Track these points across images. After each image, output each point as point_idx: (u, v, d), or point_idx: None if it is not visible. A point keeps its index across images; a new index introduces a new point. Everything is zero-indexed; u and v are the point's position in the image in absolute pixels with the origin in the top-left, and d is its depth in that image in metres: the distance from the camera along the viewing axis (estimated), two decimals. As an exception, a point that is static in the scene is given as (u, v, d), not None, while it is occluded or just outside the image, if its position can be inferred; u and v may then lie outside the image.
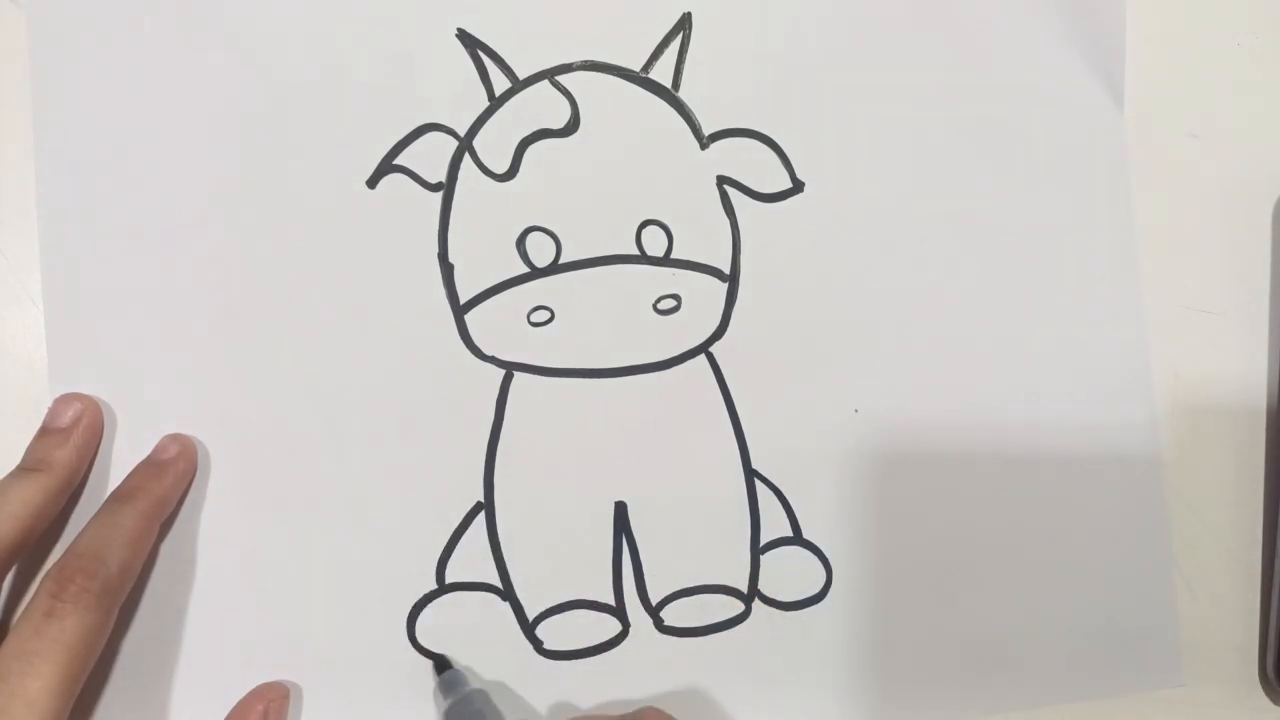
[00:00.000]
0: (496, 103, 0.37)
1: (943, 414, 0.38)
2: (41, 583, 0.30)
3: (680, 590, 0.37)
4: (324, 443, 0.36)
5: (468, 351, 0.37)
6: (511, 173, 0.37)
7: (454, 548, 0.36)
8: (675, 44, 0.38)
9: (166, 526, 0.35)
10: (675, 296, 0.37)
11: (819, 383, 0.38)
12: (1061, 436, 0.39)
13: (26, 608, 0.30)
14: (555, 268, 0.37)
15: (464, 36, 0.37)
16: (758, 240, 0.38)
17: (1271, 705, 0.39)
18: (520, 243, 0.37)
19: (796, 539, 0.37)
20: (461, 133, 0.37)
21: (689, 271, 0.37)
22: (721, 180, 0.38)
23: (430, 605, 0.36)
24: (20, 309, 0.36)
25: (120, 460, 0.35)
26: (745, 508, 0.37)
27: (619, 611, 0.37)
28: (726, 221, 0.38)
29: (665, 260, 0.37)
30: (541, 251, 0.37)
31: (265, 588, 0.36)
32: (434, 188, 0.37)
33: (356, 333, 0.36)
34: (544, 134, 0.37)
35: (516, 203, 0.37)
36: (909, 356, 0.38)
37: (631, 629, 0.37)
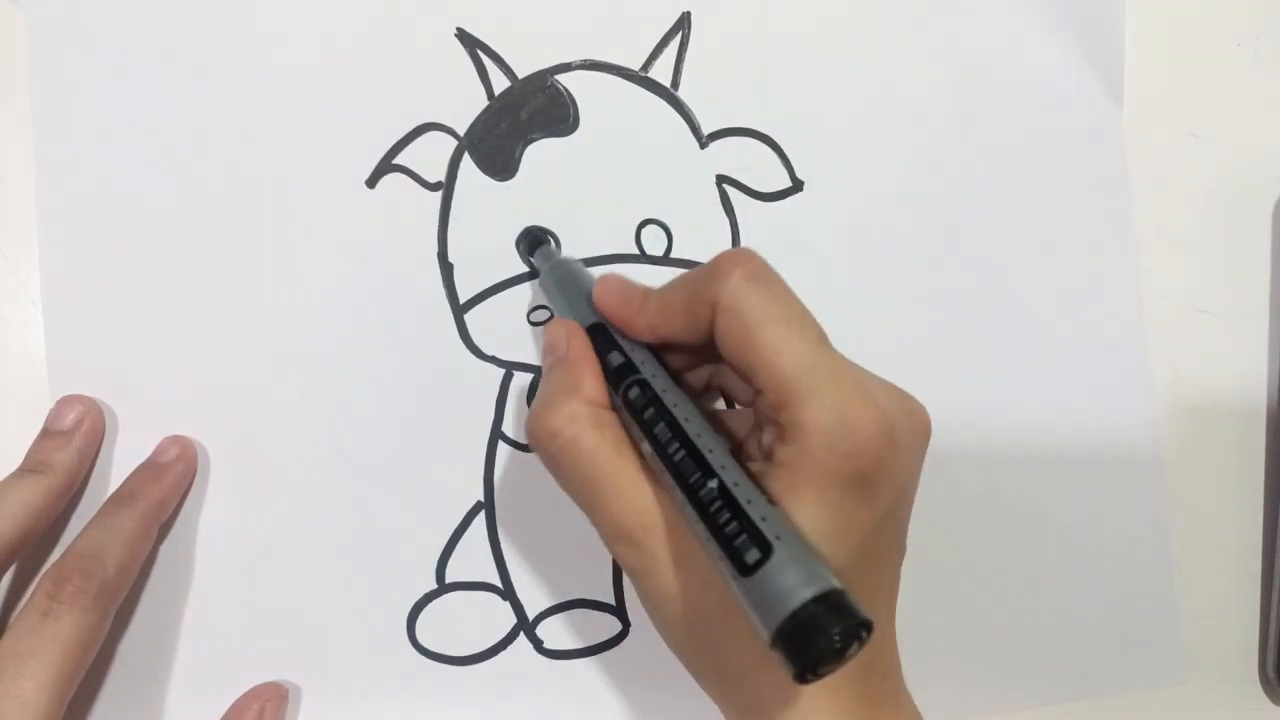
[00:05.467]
0: (496, 102, 0.37)
1: (942, 413, 0.38)
2: (39, 583, 0.30)
3: (680, 590, 0.37)
4: (324, 443, 0.36)
5: (468, 351, 0.37)
6: (511, 172, 0.37)
7: (454, 548, 0.36)
8: (674, 43, 0.38)
9: (166, 527, 0.35)
10: (675, 296, 0.37)
11: (819, 382, 0.38)
12: (1061, 436, 0.39)
13: (23, 607, 0.30)
14: (555, 267, 0.37)
15: (463, 36, 0.37)
16: (757, 239, 0.38)
17: (1271, 705, 0.39)
18: (520, 242, 0.37)
19: (796, 539, 0.37)
20: (461, 132, 0.37)
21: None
22: (721, 179, 0.38)
23: (430, 605, 0.36)
24: (20, 309, 0.36)
25: (120, 460, 0.35)
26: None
27: (619, 611, 0.37)
28: (726, 220, 0.38)
29: (665, 259, 0.37)
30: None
31: (264, 588, 0.36)
32: (434, 187, 0.37)
33: (356, 332, 0.36)
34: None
35: (516, 202, 0.37)
36: (908, 356, 0.38)
37: (631, 629, 0.37)
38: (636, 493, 0.27)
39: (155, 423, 0.35)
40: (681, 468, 0.25)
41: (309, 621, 0.36)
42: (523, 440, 0.37)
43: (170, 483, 0.34)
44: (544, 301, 0.37)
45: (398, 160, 0.36)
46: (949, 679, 0.38)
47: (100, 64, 0.36)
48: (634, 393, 0.28)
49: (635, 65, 0.37)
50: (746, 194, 0.38)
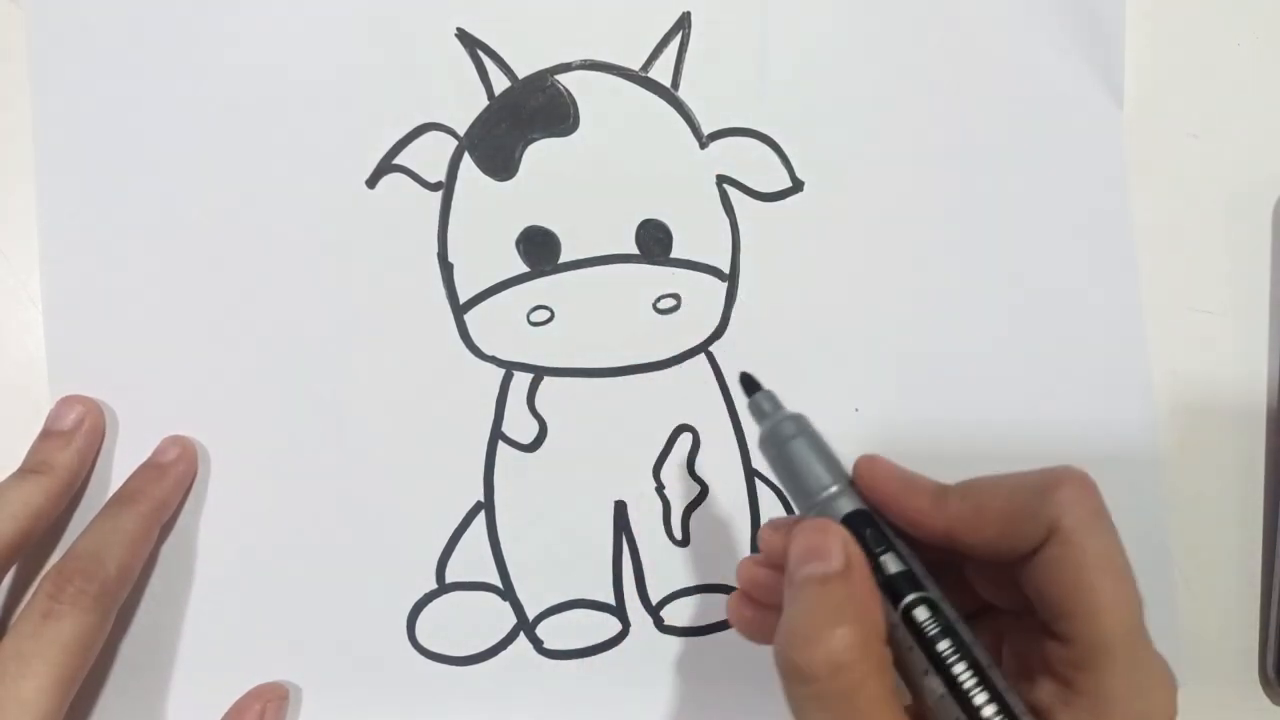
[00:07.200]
0: (496, 102, 0.37)
1: (943, 414, 0.38)
2: (40, 584, 0.30)
3: (680, 590, 0.37)
4: (324, 443, 0.36)
5: (467, 351, 0.37)
6: (511, 172, 0.37)
7: (454, 548, 0.36)
8: (675, 43, 0.38)
9: (167, 528, 0.35)
10: (675, 296, 0.37)
11: (819, 382, 0.38)
12: (1061, 436, 0.39)
13: (24, 608, 0.30)
14: (555, 267, 0.37)
15: (463, 36, 0.37)
16: (757, 239, 0.38)
17: (1271, 705, 0.39)
18: (520, 242, 0.37)
19: (796, 539, 0.37)
20: (461, 132, 0.37)
21: (688, 271, 0.37)
22: (721, 179, 0.38)
23: (430, 605, 0.36)
24: (20, 309, 0.36)
25: (120, 461, 0.35)
26: (745, 507, 0.37)
27: (619, 611, 0.37)
28: (726, 220, 0.38)
29: (665, 259, 0.37)
30: (541, 251, 0.37)
31: (265, 588, 0.36)
32: (434, 187, 0.37)
33: (356, 332, 0.36)
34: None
35: (516, 202, 0.37)
36: (909, 356, 0.38)
37: (631, 629, 0.37)
38: None
39: (155, 423, 0.35)
40: None
41: (309, 621, 0.36)
42: (522, 440, 0.37)
43: (171, 483, 0.34)
44: (546, 301, 0.37)
45: (398, 160, 0.36)
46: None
47: (100, 64, 0.36)
48: (921, 613, 0.24)
49: (635, 65, 0.37)
50: (746, 194, 0.38)
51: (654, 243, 0.37)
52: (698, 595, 0.37)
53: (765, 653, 0.37)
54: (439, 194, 0.37)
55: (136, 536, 0.33)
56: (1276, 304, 0.40)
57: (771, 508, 0.37)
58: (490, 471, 0.37)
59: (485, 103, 0.37)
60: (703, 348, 0.37)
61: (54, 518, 0.33)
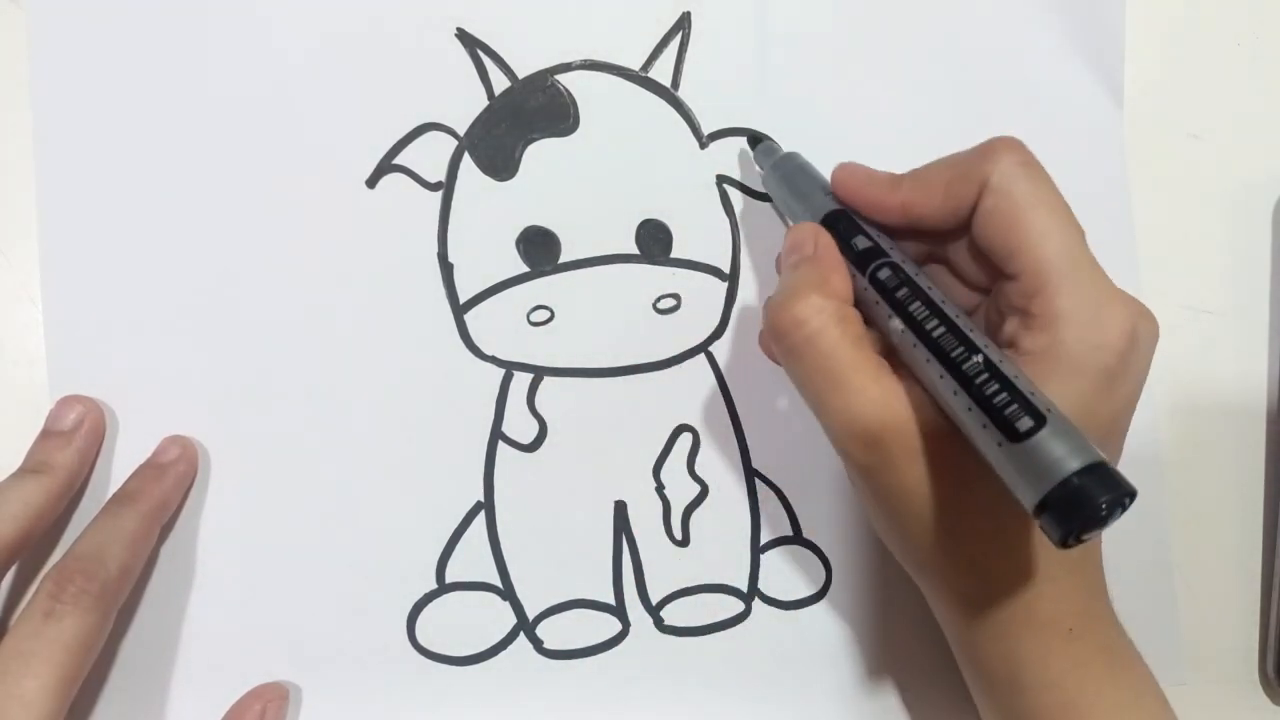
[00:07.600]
0: (496, 102, 0.37)
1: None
2: (41, 583, 0.30)
3: (680, 590, 0.37)
4: (324, 443, 0.36)
5: (467, 351, 0.37)
6: (511, 172, 0.37)
7: (454, 548, 0.36)
8: (674, 43, 0.38)
9: (167, 528, 0.35)
10: (675, 296, 0.37)
11: (819, 382, 0.38)
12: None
13: (25, 608, 0.30)
14: (555, 267, 0.37)
15: (463, 36, 0.37)
16: (757, 239, 0.38)
17: (1271, 705, 0.39)
18: (520, 242, 0.37)
19: (796, 538, 0.37)
20: (461, 132, 0.37)
21: (689, 271, 0.37)
22: (721, 179, 0.38)
23: (430, 605, 0.36)
24: (20, 309, 0.36)
25: (120, 460, 0.35)
26: (745, 507, 0.37)
27: (619, 611, 0.37)
28: (726, 220, 0.38)
29: (665, 259, 0.37)
30: (541, 251, 0.37)
31: (265, 588, 0.36)
32: (434, 187, 0.37)
33: (356, 333, 0.36)
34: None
35: (516, 202, 0.37)
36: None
37: (631, 629, 0.37)
38: (877, 388, 0.27)
39: (155, 423, 0.35)
40: (943, 342, 0.26)
41: (309, 621, 0.36)
42: (522, 440, 0.37)
43: (171, 483, 0.34)
44: (546, 301, 0.37)
45: (398, 160, 0.36)
46: (947, 678, 0.38)
47: (100, 64, 0.36)
48: (884, 273, 0.28)
49: (635, 65, 0.37)
50: (746, 194, 0.38)
51: (654, 243, 0.37)
52: (698, 595, 0.37)
53: (764, 653, 0.37)
54: (439, 194, 0.37)
55: (137, 536, 0.33)
56: (1276, 304, 0.40)
57: (772, 508, 0.37)
58: (490, 471, 0.37)
59: (485, 103, 0.37)
60: (703, 348, 0.37)
61: (54, 518, 0.33)
